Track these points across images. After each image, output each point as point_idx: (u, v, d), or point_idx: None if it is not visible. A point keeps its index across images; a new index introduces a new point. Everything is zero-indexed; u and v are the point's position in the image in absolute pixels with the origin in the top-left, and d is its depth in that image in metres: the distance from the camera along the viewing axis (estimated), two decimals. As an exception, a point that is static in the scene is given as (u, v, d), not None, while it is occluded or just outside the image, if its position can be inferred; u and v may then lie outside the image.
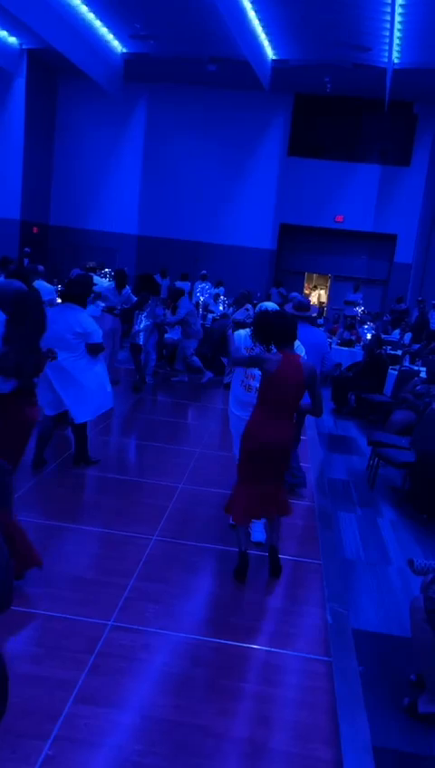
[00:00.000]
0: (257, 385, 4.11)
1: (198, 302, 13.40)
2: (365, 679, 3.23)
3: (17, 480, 5.16)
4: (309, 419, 8.75)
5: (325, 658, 3.33)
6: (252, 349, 4.36)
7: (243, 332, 4.57)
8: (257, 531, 4.57)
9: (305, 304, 5.45)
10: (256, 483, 3.99)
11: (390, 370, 9.26)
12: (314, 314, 7.38)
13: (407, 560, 3.46)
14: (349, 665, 3.34)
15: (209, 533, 4.62)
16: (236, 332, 4.62)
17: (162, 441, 7.06)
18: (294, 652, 3.37)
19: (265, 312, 4.06)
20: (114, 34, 15.49)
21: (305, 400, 4.10)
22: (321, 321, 15.83)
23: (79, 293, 5.41)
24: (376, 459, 6.27)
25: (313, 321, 5.80)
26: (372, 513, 5.58)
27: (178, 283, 15.18)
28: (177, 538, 4.52)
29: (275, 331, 3.86)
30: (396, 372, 9.06)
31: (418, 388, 7.61)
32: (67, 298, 5.46)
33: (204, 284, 15.57)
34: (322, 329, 12.34)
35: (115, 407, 8.65)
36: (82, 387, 5.42)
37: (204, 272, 16.29)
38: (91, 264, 11.24)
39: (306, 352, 4.48)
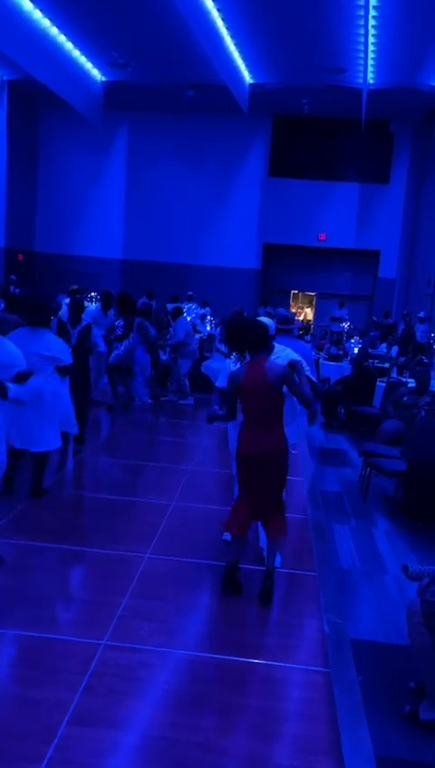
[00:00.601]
0: None
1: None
2: (365, 689, 3.18)
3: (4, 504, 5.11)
4: (301, 431, 8.77)
5: (324, 670, 3.28)
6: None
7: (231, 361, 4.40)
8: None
9: (289, 318, 5.46)
10: (251, 496, 3.94)
11: (378, 383, 9.29)
12: (297, 327, 7.47)
13: (401, 566, 3.44)
14: (348, 675, 3.29)
15: (203, 549, 4.57)
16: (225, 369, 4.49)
17: (155, 460, 7.02)
18: (292, 664, 3.32)
19: (236, 320, 4.07)
20: (93, 63, 15.73)
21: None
22: (308, 337, 15.89)
23: (45, 319, 5.38)
24: (368, 470, 6.25)
25: (301, 337, 5.85)
26: (367, 524, 5.55)
27: (170, 306, 15.27)
28: (170, 555, 4.46)
29: (245, 338, 3.84)
30: (384, 384, 9.09)
31: (405, 399, 7.63)
32: (33, 322, 5.38)
33: (190, 305, 15.66)
34: (308, 344, 12.39)
35: (107, 427, 8.65)
36: (53, 410, 5.36)
37: (190, 293, 16.40)
38: (75, 287, 11.26)
39: None
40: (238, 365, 4.12)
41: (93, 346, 6.97)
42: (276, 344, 4.32)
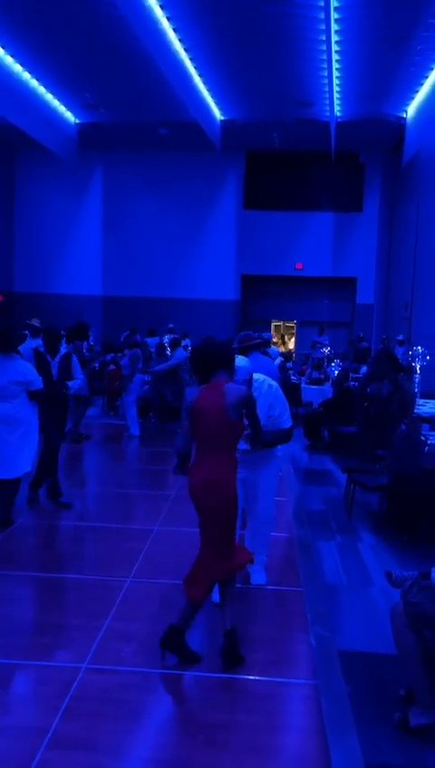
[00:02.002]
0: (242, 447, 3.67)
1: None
2: (354, 699, 3.10)
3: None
4: (283, 452, 8.72)
5: (312, 682, 3.20)
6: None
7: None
8: (257, 572, 4.38)
9: (249, 336, 5.37)
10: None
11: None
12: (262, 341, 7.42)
13: (385, 572, 3.40)
14: (336, 686, 3.21)
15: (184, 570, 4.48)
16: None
17: (137, 488, 6.95)
18: (279, 678, 3.23)
19: (199, 345, 3.94)
20: (66, 106, 16.04)
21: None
22: (290, 364, 15.97)
23: (13, 344, 5.41)
24: (352, 486, 6.22)
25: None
26: (352, 540, 5.49)
27: (148, 340, 15.39)
28: (152, 578, 4.38)
29: (204, 358, 3.49)
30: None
31: (369, 390, 7.58)
32: (2, 349, 5.38)
33: (171, 336, 15.71)
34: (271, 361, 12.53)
35: (89, 456, 8.57)
36: (26, 435, 5.33)
37: (171, 325, 16.48)
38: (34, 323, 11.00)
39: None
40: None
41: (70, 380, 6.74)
42: (255, 376, 4.16)
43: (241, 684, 3.18)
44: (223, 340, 3.79)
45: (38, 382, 5.37)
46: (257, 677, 3.23)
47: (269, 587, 4.33)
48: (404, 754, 2.74)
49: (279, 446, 4.55)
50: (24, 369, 5.32)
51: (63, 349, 7.04)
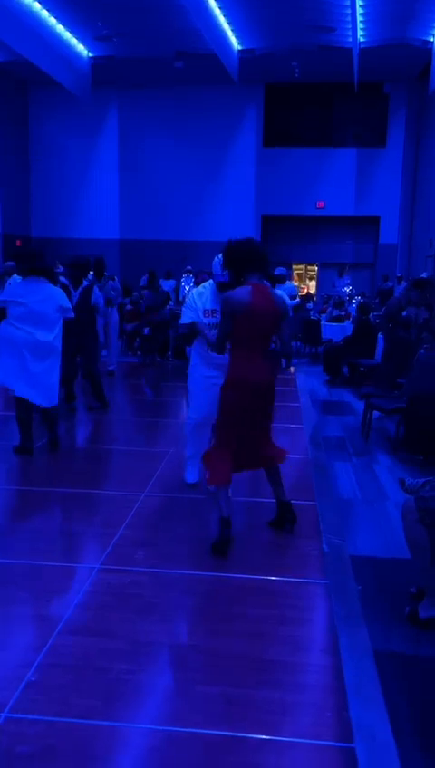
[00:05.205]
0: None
1: (184, 296, 13.42)
2: (365, 598, 3.11)
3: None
4: (302, 387, 8.68)
5: (323, 581, 3.21)
6: (213, 310, 4.05)
7: (195, 292, 4.24)
8: (190, 472, 4.50)
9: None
10: (243, 434, 3.59)
11: (379, 335, 9.15)
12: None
13: (398, 479, 3.36)
14: (347, 585, 3.22)
15: (199, 488, 4.51)
16: (186, 304, 4.26)
17: (152, 417, 6.99)
18: (290, 578, 3.24)
19: (233, 241, 3.80)
20: (78, 39, 15.53)
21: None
22: (310, 305, 15.73)
23: (43, 267, 5.25)
24: (369, 411, 6.16)
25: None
26: (368, 461, 5.46)
27: (163, 282, 15.23)
28: (165, 492, 4.41)
29: (243, 257, 3.52)
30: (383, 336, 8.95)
31: (404, 313, 7.42)
32: (37, 272, 5.25)
33: (189, 277, 15.62)
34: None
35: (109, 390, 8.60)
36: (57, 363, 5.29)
37: (189, 267, 16.28)
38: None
39: None
40: (206, 297, 4.08)
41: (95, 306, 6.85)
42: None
43: (251, 582, 3.20)
44: (257, 241, 3.67)
45: (72, 310, 5.27)
46: (269, 577, 3.24)
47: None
48: (414, 643, 2.74)
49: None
50: (61, 295, 5.20)
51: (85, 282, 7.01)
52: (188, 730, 2.15)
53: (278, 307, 3.53)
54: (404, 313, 7.13)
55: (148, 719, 2.22)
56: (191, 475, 4.52)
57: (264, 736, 2.13)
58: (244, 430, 3.60)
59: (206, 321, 4.07)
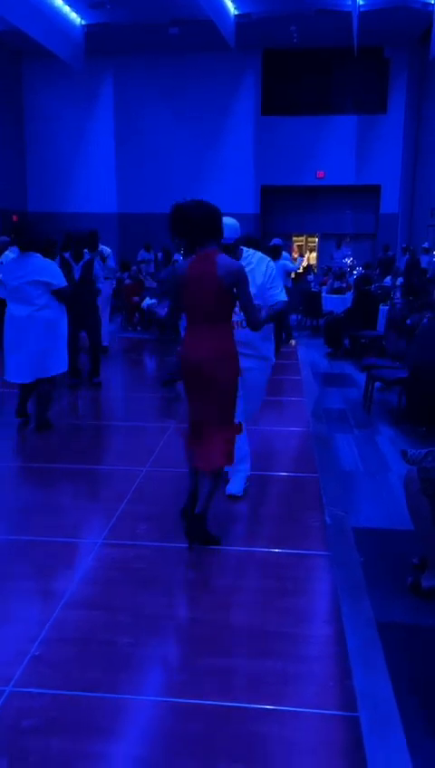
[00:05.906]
0: (239, 318, 3.46)
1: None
2: (367, 569, 3.12)
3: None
4: (303, 359, 8.65)
5: (325, 553, 3.21)
6: None
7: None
8: (231, 482, 3.94)
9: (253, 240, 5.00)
10: (192, 418, 3.29)
11: (380, 306, 9.09)
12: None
13: (400, 450, 3.34)
14: (349, 557, 3.23)
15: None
16: None
17: (153, 391, 6.97)
18: (291, 550, 3.25)
19: (180, 204, 3.11)
20: (71, 6, 15.15)
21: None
22: (310, 277, 15.62)
23: (30, 240, 5.13)
24: (371, 383, 6.13)
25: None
26: (370, 433, 5.45)
27: (161, 255, 15.03)
28: (166, 467, 4.40)
29: (189, 223, 3.04)
30: (387, 308, 8.90)
31: (408, 322, 7.37)
32: (21, 245, 5.18)
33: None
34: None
35: (108, 366, 8.55)
36: (56, 336, 5.21)
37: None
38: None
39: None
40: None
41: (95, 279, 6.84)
42: (244, 249, 3.82)
43: (254, 554, 3.20)
44: (211, 204, 3.18)
45: (60, 279, 5.10)
46: (271, 549, 3.25)
47: (283, 473, 4.33)
48: (416, 614, 2.75)
49: (272, 353, 4.10)
50: (43, 267, 5.03)
51: (87, 256, 6.95)
52: (191, 701, 2.16)
53: (219, 274, 3.02)
54: (408, 322, 7.02)
55: (151, 691, 2.24)
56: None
57: (268, 706, 2.14)
58: (192, 414, 3.29)
59: None
